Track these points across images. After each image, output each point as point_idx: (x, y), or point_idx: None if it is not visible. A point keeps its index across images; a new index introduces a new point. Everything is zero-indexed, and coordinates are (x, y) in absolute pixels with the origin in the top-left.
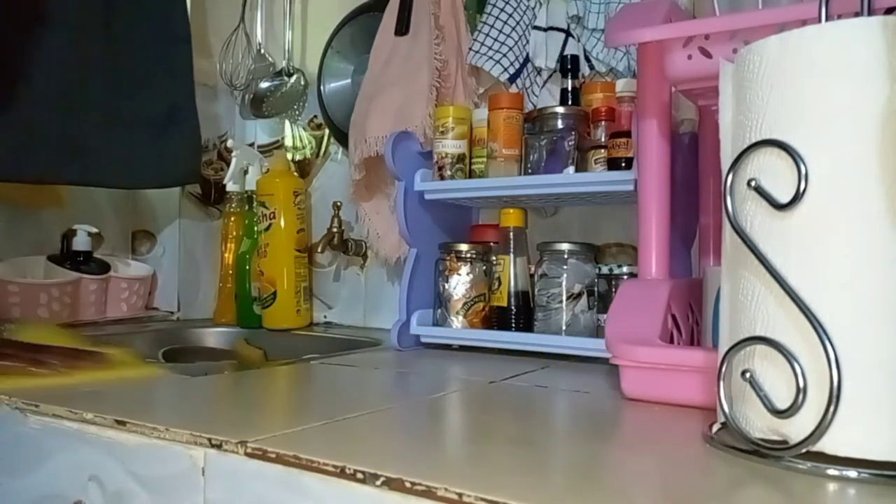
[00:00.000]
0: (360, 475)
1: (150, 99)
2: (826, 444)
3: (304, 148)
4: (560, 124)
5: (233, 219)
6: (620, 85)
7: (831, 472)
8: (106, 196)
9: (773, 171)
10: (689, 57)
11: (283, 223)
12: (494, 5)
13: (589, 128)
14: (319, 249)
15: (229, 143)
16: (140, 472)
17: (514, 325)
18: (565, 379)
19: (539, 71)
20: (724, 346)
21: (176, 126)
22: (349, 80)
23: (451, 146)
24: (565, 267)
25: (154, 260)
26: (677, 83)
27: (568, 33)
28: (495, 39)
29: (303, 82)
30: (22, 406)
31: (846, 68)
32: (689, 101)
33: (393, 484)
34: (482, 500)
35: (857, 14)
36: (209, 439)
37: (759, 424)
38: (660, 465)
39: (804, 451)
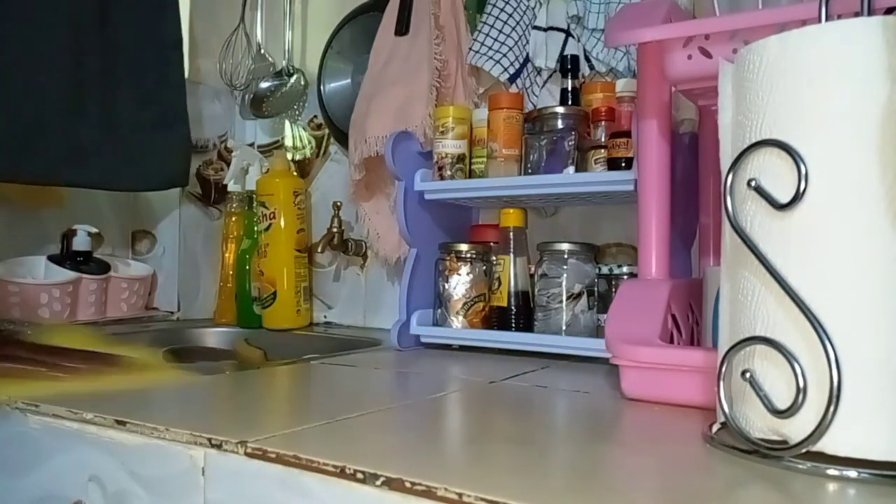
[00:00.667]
0: (360, 475)
1: (142, 103)
2: (826, 444)
3: (304, 148)
4: (560, 124)
5: (234, 219)
6: (620, 85)
7: (831, 472)
8: (106, 196)
9: (773, 171)
10: (689, 57)
11: (283, 223)
12: (494, 5)
13: (589, 128)
14: (319, 249)
15: (229, 143)
16: (140, 472)
17: (514, 325)
18: (565, 379)
19: (539, 71)
20: (724, 346)
21: (167, 130)
22: (349, 80)
23: (451, 146)
24: (565, 267)
25: (154, 260)
26: (677, 83)
27: (568, 33)
28: (495, 39)
29: (303, 82)
30: (22, 406)
31: (846, 68)
32: (689, 101)
33: (393, 484)
34: (482, 500)
35: (857, 14)
36: (209, 439)
37: (759, 424)
38: (660, 465)
39: (804, 451)
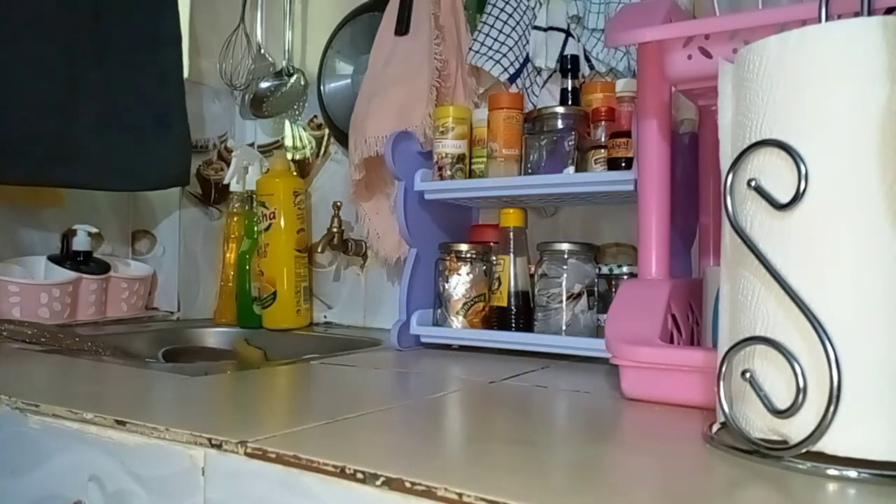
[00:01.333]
0: (360, 475)
1: (141, 102)
2: (826, 444)
3: (304, 148)
4: (560, 124)
5: (235, 219)
6: (620, 85)
7: (831, 472)
8: (106, 196)
9: (773, 171)
10: (689, 57)
11: (283, 223)
12: (494, 5)
13: (589, 128)
14: (319, 249)
15: (229, 143)
16: (140, 472)
17: (514, 325)
18: (565, 379)
19: (539, 71)
20: (724, 346)
21: (167, 129)
22: (349, 80)
23: (451, 146)
24: (565, 267)
25: (154, 260)
26: (677, 83)
27: (568, 33)
28: (495, 39)
29: (303, 82)
30: (22, 406)
31: (846, 68)
32: (689, 101)
33: (393, 484)
34: (482, 500)
35: (857, 14)
36: (209, 439)
37: (759, 424)
38: (660, 465)
39: (804, 451)
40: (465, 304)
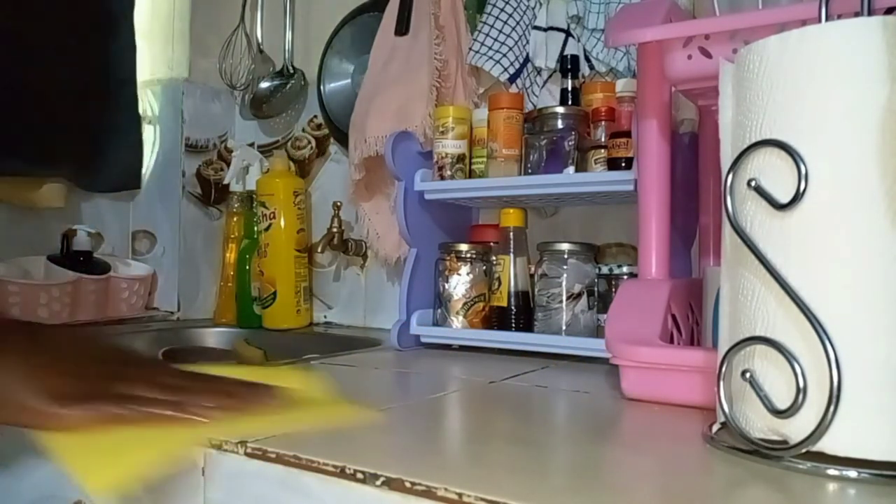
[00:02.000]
0: (360, 475)
1: (102, 106)
2: (826, 444)
3: (304, 148)
4: (560, 124)
5: (235, 219)
6: (620, 85)
7: (831, 472)
8: (106, 196)
9: (773, 171)
10: (689, 57)
11: (283, 223)
12: (494, 5)
13: (589, 128)
14: (319, 249)
15: (229, 143)
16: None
17: (514, 325)
18: (565, 379)
19: (539, 71)
20: (724, 346)
21: (120, 133)
22: (349, 80)
23: (451, 146)
24: (565, 267)
25: (154, 260)
26: (677, 83)
27: (568, 33)
28: (495, 39)
29: (303, 82)
30: None
31: (846, 68)
32: (689, 101)
33: (393, 484)
34: (482, 500)
35: (857, 14)
36: (209, 439)
37: (759, 424)
38: (660, 465)
39: (804, 451)
40: (465, 304)
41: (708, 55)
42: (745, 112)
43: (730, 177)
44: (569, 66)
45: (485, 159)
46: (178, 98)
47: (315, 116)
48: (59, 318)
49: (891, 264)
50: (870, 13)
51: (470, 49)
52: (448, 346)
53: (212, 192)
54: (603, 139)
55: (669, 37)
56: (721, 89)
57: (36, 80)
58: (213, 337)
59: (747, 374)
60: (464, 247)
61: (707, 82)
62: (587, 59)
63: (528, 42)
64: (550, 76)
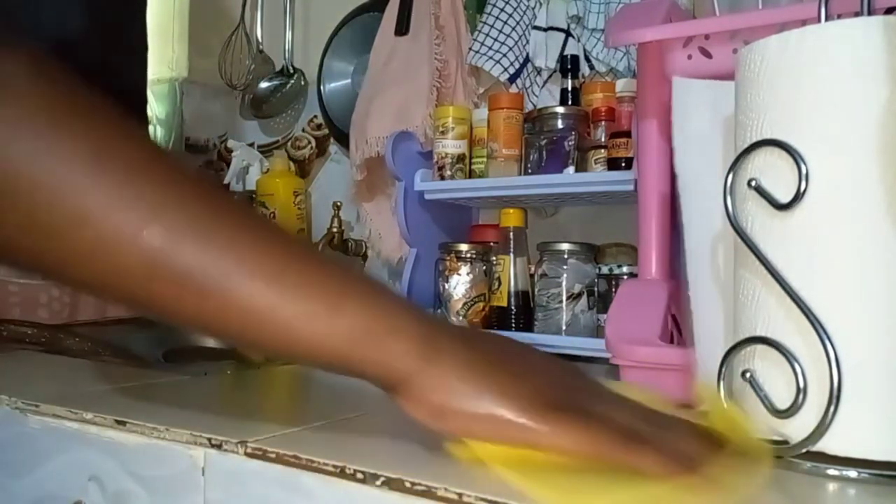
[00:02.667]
0: (360, 475)
1: None
2: (826, 444)
3: (304, 148)
4: (560, 124)
5: None
6: (620, 85)
7: (831, 472)
8: None
9: (773, 171)
10: (689, 57)
11: (283, 223)
12: (494, 5)
13: (589, 128)
14: (319, 249)
15: (229, 143)
16: (140, 472)
17: (514, 325)
18: None
19: (539, 71)
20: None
21: None
22: (349, 80)
23: (451, 146)
24: (565, 267)
25: None
26: None
27: (568, 33)
28: (495, 39)
29: (303, 82)
30: (22, 406)
31: (846, 68)
32: None
33: (393, 484)
34: (482, 500)
35: (857, 14)
36: (209, 439)
37: (759, 424)
38: None
39: (804, 451)
40: (465, 304)
41: (708, 55)
42: (745, 112)
43: (730, 177)
44: (569, 66)
45: (485, 159)
46: (178, 98)
47: (315, 116)
48: (59, 318)
49: (892, 264)
50: (870, 13)
51: (470, 49)
52: None
53: None
54: (603, 139)
55: (669, 37)
56: None
57: None
58: None
59: (747, 375)
60: (464, 247)
61: None
62: (587, 59)
63: (528, 42)
64: (550, 76)
